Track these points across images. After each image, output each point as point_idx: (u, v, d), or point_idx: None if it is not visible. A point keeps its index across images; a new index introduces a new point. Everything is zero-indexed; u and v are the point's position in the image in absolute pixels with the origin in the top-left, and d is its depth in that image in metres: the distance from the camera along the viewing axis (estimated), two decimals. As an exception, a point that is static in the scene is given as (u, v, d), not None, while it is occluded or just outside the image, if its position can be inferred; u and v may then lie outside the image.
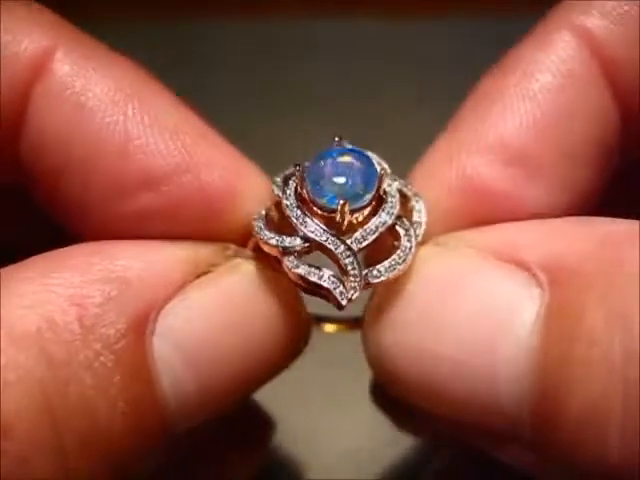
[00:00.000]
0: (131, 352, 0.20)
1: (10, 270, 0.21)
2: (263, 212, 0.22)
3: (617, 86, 0.24)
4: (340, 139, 0.23)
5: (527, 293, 0.20)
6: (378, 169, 0.22)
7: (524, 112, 0.23)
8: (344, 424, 0.37)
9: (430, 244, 0.23)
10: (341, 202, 0.21)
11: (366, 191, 0.21)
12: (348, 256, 0.21)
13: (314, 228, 0.21)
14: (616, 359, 0.18)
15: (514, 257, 0.21)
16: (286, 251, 0.22)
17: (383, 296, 0.22)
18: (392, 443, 0.36)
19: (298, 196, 0.22)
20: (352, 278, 0.21)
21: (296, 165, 0.22)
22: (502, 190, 0.23)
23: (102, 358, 0.20)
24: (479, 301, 0.21)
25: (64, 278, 0.20)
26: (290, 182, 0.22)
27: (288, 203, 0.22)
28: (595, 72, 0.24)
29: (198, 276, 0.22)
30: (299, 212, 0.22)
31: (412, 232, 0.22)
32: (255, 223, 0.22)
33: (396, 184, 0.23)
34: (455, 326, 0.21)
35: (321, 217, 0.22)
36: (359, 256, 0.22)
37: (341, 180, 0.21)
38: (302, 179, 0.22)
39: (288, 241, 0.22)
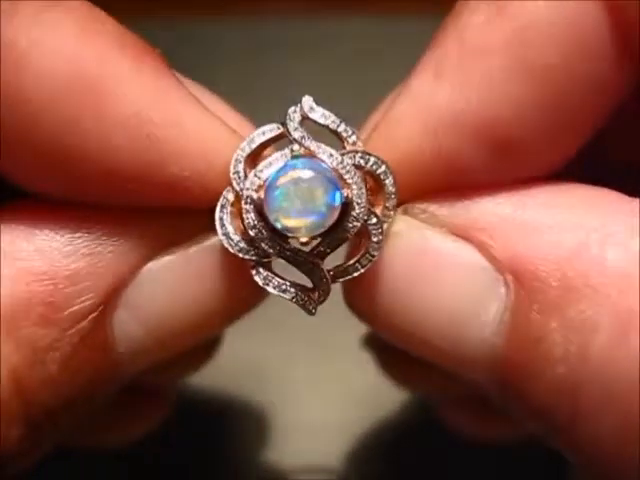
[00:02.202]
0: (94, 328, 0.21)
1: None
2: (227, 210, 0.21)
3: (633, 45, 0.19)
4: (302, 109, 0.22)
5: (494, 292, 0.20)
6: (338, 195, 0.20)
7: (517, 86, 0.20)
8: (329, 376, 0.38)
9: (400, 213, 0.22)
10: (303, 240, 0.21)
11: (327, 221, 0.20)
12: (314, 270, 0.21)
13: (278, 247, 0.21)
14: (567, 386, 0.19)
15: (487, 251, 0.20)
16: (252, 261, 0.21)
17: None
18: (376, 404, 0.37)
19: (258, 213, 0.21)
20: (321, 289, 0.21)
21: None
22: (481, 174, 0.21)
23: (67, 339, 0.20)
24: (446, 292, 0.21)
25: (31, 257, 0.20)
26: (248, 185, 0.21)
27: (250, 217, 0.21)
28: (609, 34, 0.19)
29: (170, 247, 0.22)
30: (260, 229, 0.21)
31: (381, 226, 0.21)
32: (218, 222, 0.21)
33: (368, 162, 0.21)
34: (422, 311, 0.21)
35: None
36: (324, 267, 0.21)
37: (302, 218, 0.20)
38: (260, 206, 0.21)
39: (252, 254, 0.21)
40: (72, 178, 0.20)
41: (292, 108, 0.22)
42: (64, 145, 0.19)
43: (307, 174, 0.20)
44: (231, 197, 0.21)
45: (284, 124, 0.22)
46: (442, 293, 0.21)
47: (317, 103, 0.22)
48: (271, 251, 0.21)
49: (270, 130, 0.22)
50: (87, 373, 0.21)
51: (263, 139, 0.22)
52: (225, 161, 0.21)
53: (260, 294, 0.24)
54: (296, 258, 0.21)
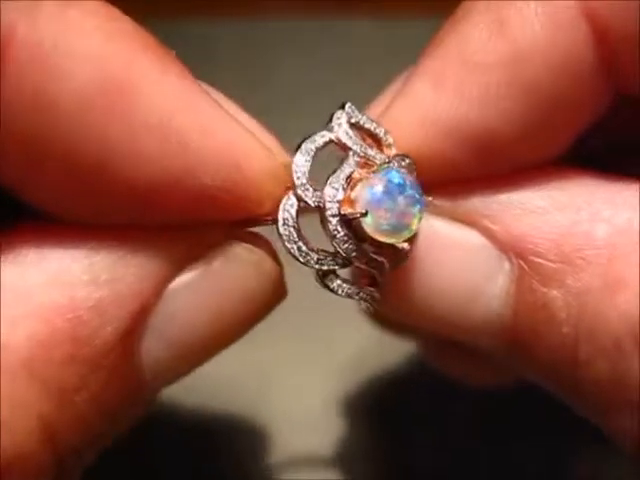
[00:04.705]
0: (123, 358, 0.20)
1: None
2: (290, 223, 0.21)
3: (616, 67, 0.21)
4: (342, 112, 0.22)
5: (499, 268, 0.22)
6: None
7: (511, 101, 0.21)
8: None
9: None
10: (403, 246, 0.21)
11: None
12: (382, 269, 0.22)
13: (364, 256, 0.22)
14: (570, 342, 0.21)
15: (490, 235, 0.22)
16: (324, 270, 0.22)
17: None
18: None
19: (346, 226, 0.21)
20: (382, 284, 0.23)
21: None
22: (473, 174, 0.23)
23: (96, 374, 0.19)
24: (456, 272, 0.23)
25: (48, 290, 0.18)
26: (329, 198, 0.21)
27: (337, 229, 0.21)
28: (595, 57, 0.21)
29: (192, 262, 0.21)
30: (350, 242, 0.21)
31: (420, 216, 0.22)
32: (286, 238, 0.21)
33: (404, 162, 0.22)
34: (434, 291, 0.23)
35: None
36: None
37: (399, 233, 0.21)
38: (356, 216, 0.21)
39: (331, 264, 0.22)
40: (97, 191, 0.19)
41: (336, 114, 0.22)
42: (92, 153, 0.18)
43: (398, 187, 0.21)
44: (293, 211, 0.22)
45: (331, 130, 0.22)
46: (452, 273, 0.23)
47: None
48: (358, 261, 0.22)
49: (320, 138, 0.22)
50: (117, 405, 0.20)
51: (316, 148, 0.22)
52: (256, 170, 0.21)
53: (281, 298, 0.24)
54: (372, 261, 0.22)
